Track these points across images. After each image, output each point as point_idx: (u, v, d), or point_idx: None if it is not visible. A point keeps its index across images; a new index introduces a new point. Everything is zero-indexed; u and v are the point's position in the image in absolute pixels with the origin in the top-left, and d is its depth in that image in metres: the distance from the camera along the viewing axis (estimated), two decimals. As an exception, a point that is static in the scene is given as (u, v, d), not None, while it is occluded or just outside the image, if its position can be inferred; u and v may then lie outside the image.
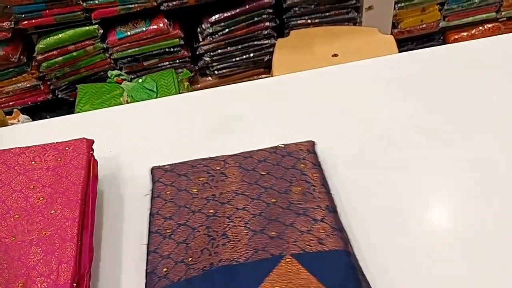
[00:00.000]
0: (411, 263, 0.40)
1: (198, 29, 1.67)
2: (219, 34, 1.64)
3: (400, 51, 1.33)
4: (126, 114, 0.63)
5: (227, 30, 1.63)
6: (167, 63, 1.68)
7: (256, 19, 1.63)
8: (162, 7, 1.55)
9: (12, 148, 0.48)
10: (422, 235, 0.42)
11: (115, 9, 1.52)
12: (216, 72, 1.76)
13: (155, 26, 1.56)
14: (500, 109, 0.54)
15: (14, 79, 1.62)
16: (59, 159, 0.46)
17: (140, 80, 1.61)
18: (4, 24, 1.49)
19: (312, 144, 0.49)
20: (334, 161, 0.49)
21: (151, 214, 0.44)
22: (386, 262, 0.40)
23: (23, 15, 1.49)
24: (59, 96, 1.72)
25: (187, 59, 1.70)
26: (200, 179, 0.45)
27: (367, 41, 1.40)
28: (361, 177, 0.48)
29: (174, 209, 0.43)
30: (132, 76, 1.68)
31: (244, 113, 0.58)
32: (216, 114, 0.59)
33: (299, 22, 1.68)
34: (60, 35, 1.53)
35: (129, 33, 1.56)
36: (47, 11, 1.49)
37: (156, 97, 1.52)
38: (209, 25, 1.62)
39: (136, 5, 1.52)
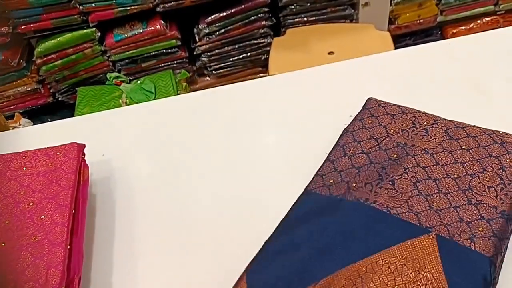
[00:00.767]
0: None
1: (195, 30, 1.67)
2: (215, 34, 1.64)
3: (398, 47, 1.33)
4: (124, 117, 0.63)
5: (223, 30, 1.64)
6: (165, 64, 1.69)
7: (252, 18, 1.64)
8: (158, 9, 1.56)
9: (3, 154, 0.48)
10: None
11: (111, 12, 1.52)
12: (214, 72, 1.76)
13: (152, 28, 1.57)
14: (500, 104, 0.54)
15: (14, 83, 1.64)
16: (49, 164, 0.47)
17: (139, 82, 1.62)
18: (2, 29, 1.50)
19: None
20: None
21: (345, 130, 0.48)
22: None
23: (21, 20, 1.50)
24: (59, 99, 1.73)
25: (184, 59, 1.71)
26: (403, 124, 0.47)
27: (363, 38, 1.39)
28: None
29: (366, 137, 0.46)
30: (131, 78, 1.69)
31: (244, 113, 0.59)
32: (214, 115, 0.59)
33: (295, 20, 1.68)
34: (58, 39, 1.54)
35: (126, 35, 1.57)
36: (45, 15, 1.50)
37: (154, 98, 1.53)
38: (205, 25, 1.62)
39: (133, 7, 1.53)
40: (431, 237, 0.36)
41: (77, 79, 1.67)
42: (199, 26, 1.64)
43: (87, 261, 0.43)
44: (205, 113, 0.59)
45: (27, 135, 0.62)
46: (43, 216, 0.42)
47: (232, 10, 1.60)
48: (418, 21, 1.76)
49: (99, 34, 1.57)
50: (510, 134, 0.46)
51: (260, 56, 1.75)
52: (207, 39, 1.66)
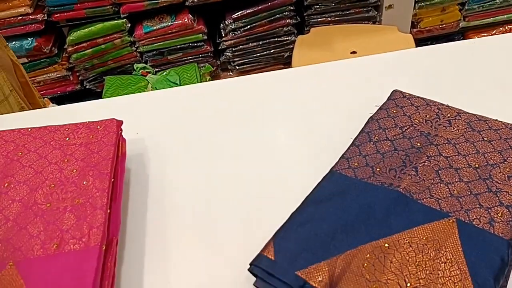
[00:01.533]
0: None
1: (221, 25, 1.71)
2: (241, 30, 1.68)
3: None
4: (156, 100, 0.66)
5: (249, 26, 1.67)
6: (190, 57, 1.73)
7: (277, 16, 1.67)
8: (187, 3, 1.60)
9: (48, 126, 0.52)
10: None
11: (142, 4, 1.57)
12: (237, 67, 1.80)
13: (180, 21, 1.61)
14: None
15: (45, 69, 1.70)
16: (91, 136, 0.50)
17: (164, 73, 1.66)
18: (38, 16, 1.56)
19: None
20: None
21: (371, 118, 0.50)
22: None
23: (55, 8, 1.56)
24: (87, 86, 1.79)
25: (209, 54, 1.75)
26: (427, 115, 0.49)
27: (386, 39, 1.41)
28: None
29: (391, 125, 0.48)
30: (157, 69, 1.73)
31: (272, 100, 0.61)
32: (239, 102, 0.62)
33: (319, 19, 1.70)
34: (90, 28, 1.60)
35: (155, 27, 1.61)
36: (78, 4, 1.56)
37: (178, 90, 1.57)
38: (232, 21, 1.66)
39: (162, 0, 1.57)
40: (451, 221, 0.38)
41: (105, 68, 1.73)
42: (226, 22, 1.68)
43: (122, 226, 0.46)
44: (232, 99, 0.62)
45: (68, 111, 0.66)
46: (85, 182, 0.46)
47: (258, 7, 1.63)
48: (440, 26, 1.76)
49: (129, 25, 1.62)
50: None
51: (282, 53, 1.77)
52: (233, 34, 1.69)
